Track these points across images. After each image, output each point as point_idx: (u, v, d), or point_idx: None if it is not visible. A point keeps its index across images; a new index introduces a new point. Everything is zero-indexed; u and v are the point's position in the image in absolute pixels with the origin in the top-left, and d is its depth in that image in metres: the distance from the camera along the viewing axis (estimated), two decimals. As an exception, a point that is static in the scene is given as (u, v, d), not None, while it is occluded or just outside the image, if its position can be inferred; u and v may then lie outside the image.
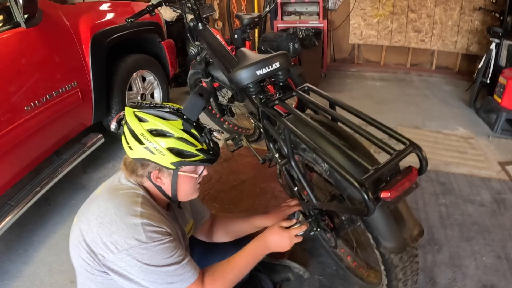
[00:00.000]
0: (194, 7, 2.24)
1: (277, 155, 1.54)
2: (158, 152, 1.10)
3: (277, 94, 1.59)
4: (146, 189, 1.20)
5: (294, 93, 1.46)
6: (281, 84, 1.56)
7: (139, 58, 3.06)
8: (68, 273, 1.92)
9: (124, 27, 2.74)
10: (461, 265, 1.84)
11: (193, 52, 2.38)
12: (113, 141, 3.00)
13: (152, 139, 1.09)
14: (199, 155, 1.15)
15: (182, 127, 1.13)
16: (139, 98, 3.11)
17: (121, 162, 1.23)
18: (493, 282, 1.75)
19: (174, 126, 1.12)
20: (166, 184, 1.19)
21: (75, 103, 2.43)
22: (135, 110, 1.14)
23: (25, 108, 2.03)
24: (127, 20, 2.14)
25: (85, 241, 1.09)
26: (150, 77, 3.23)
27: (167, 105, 1.19)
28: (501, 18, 3.56)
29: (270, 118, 1.47)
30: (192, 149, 1.14)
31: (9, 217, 1.95)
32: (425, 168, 1.05)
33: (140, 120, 1.12)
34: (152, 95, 3.32)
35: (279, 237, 1.33)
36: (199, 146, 1.15)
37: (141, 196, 1.15)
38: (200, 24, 2.26)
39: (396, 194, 0.96)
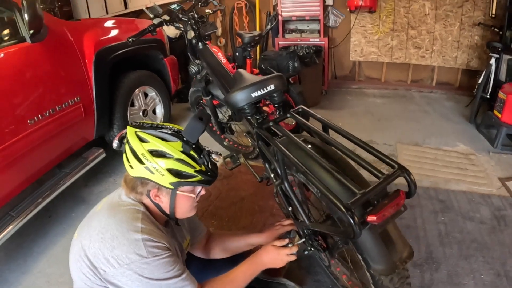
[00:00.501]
0: (194, 27, 2.29)
1: (272, 175, 1.56)
2: (158, 172, 1.13)
3: (277, 112, 1.62)
4: (145, 206, 1.23)
5: (288, 115, 1.49)
6: (276, 105, 1.58)
7: (142, 75, 3.12)
8: (66, 285, 1.93)
9: (127, 44, 2.77)
10: (460, 283, 1.82)
11: (193, 71, 2.42)
12: (115, 155, 3.03)
13: (152, 159, 1.13)
14: (197, 176, 1.18)
15: (181, 149, 1.17)
16: (141, 114, 3.15)
17: (121, 177, 1.27)
18: (491, 301, 1.74)
19: (173, 148, 1.16)
20: (164, 202, 1.22)
21: (78, 118, 2.48)
22: (137, 130, 1.18)
23: (28, 121, 2.08)
24: (128, 39, 2.20)
25: (87, 255, 1.12)
26: (152, 93, 3.28)
27: (168, 126, 1.23)
28: (501, 33, 3.59)
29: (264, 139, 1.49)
30: (190, 171, 1.17)
31: (10, 227, 1.98)
32: (413, 191, 1.06)
33: (141, 140, 1.16)
34: (154, 111, 3.37)
35: (273, 255, 1.38)
36: (198, 168, 1.19)
37: (141, 212, 1.18)
38: (200, 43, 2.31)
39: (383, 219, 0.98)
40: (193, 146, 1.20)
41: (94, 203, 1.31)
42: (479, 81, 3.54)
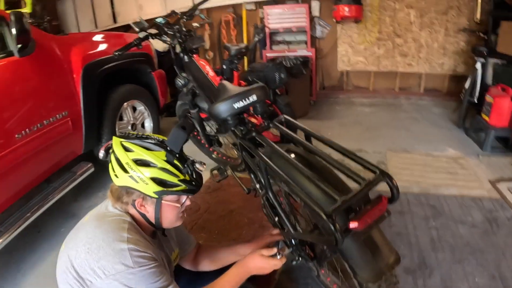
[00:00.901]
0: (180, 40, 2.29)
1: (257, 186, 1.55)
2: (142, 181, 1.15)
3: (266, 123, 1.62)
4: (132, 216, 1.23)
5: (271, 125, 1.49)
6: (259, 115, 1.58)
7: (130, 89, 3.12)
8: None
9: (115, 58, 2.78)
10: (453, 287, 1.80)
11: (180, 84, 2.42)
12: (104, 170, 2.96)
13: (136, 168, 1.15)
14: (181, 186, 1.19)
15: (165, 158, 1.18)
16: (129, 128, 3.13)
17: (111, 192, 1.27)
18: (487, 303, 1.72)
19: (157, 157, 1.17)
20: (150, 211, 1.23)
21: (66, 132, 2.46)
22: (122, 140, 1.20)
23: (16, 136, 2.06)
24: (114, 53, 2.20)
25: (73, 267, 1.12)
26: (140, 107, 3.27)
27: (153, 136, 1.25)
28: (486, 37, 3.64)
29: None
30: (174, 180, 1.18)
31: (-2, 242, 1.95)
32: (396, 196, 1.06)
33: (126, 149, 1.18)
34: (142, 125, 3.35)
35: (259, 263, 1.38)
36: (182, 177, 1.20)
37: (127, 222, 1.19)
38: (186, 56, 2.31)
39: (365, 224, 0.97)
40: (177, 155, 1.21)
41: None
42: (466, 86, 3.57)
